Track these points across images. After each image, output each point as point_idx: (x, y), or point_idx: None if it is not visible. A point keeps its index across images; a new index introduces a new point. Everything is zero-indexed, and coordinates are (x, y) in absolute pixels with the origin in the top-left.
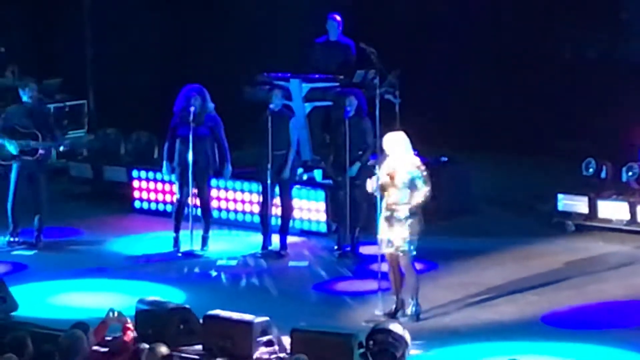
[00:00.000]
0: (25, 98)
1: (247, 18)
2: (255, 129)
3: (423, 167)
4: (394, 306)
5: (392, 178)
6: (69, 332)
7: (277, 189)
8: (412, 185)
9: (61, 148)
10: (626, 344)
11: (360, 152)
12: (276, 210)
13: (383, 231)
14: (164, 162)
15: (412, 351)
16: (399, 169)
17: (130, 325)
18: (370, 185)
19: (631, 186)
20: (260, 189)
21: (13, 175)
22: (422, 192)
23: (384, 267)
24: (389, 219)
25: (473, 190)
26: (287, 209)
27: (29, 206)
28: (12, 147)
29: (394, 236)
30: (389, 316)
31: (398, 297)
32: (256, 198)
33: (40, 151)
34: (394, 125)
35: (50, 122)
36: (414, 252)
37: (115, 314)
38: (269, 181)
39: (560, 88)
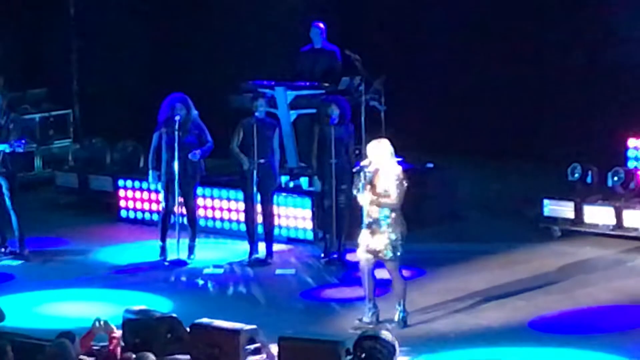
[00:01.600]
0: None
1: (232, 26)
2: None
3: (403, 177)
4: (370, 313)
5: (373, 185)
6: (55, 342)
7: (258, 197)
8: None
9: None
10: (613, 349)
11: (336, 160)
12: (259, 219)
13: (364, 237)
14: (150, 171)
15: (400, 357)
16: (381, 176)
17: (117, 335)
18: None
19: (617, 191)
20: (244, 197)
21: None
22: (392, 199)
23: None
24: (370, 226)
25: (459, 196)
26: (270, 217)
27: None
28: None
29: (375, 242)
30: (376, 323)
31: (372, 303)
32: (242, 206)
33: None
34: (379, 132)
35: (9, 128)
36: (399, 257)
37: (102, 324)
38: (254, 189)
39: (546, 93)
